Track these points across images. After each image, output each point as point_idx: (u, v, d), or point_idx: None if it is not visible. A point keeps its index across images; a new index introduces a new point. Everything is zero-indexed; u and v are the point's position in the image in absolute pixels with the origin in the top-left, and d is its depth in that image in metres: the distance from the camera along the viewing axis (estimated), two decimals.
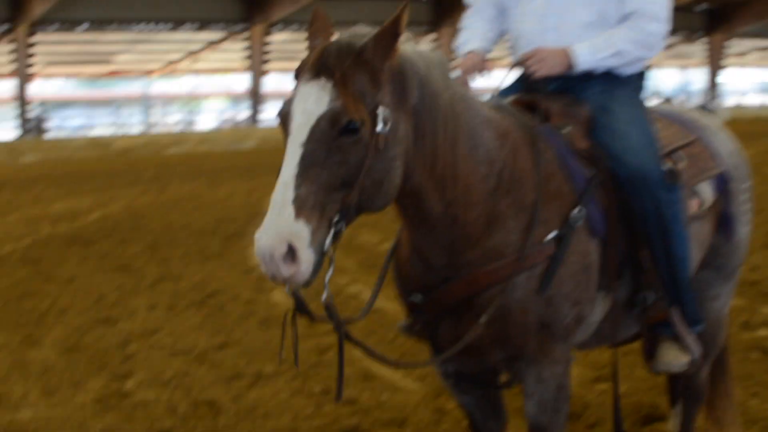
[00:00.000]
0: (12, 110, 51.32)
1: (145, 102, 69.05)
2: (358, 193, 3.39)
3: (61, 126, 65.02)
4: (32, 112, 52.19)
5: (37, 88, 55.17)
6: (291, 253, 3.23)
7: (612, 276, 4.09)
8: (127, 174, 29.01)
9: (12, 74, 50.37)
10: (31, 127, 51.41)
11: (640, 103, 4.45)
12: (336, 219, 3.36)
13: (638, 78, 4.50)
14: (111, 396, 7.37)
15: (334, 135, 3.37)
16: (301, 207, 3.28)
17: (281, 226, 3.25)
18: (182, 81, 71.92)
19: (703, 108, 5.38)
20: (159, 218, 17.82)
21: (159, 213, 18.71)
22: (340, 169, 3.37)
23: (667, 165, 4.33)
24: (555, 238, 3.90)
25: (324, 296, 3.51)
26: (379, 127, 3.43)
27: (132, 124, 68.41)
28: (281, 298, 10.60)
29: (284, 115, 3.49)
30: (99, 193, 22.93)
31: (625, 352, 6.08)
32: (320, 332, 8.97)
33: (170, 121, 71.20)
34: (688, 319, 4.31)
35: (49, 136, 54.04)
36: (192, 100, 74.84)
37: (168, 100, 74.31)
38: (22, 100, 50.02)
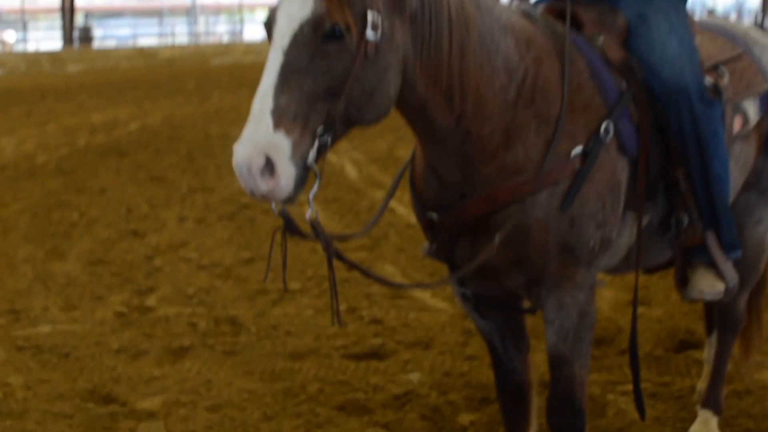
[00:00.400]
0: (59, 20, 51.24)
1: (192, 12, 68.75)
2: (345, 103, 3.16)
3: (107, 36, 64.94)
4: (78, 22, 52.05)
5: None
6: (269, 167, 3.04)
7: (643, 196, 3.80)
8: (170, 84, 28.83)
9: None
10: (78, 36, 51.31)
11: (681, 12, 4.09)
12: (320, 131, 3.14)
13: None
14: (132, 311, 7.22)
15: (318, 41, 3.14)
16: (280, 117, 3.07)
17: (259, 138, 3.04)
18: None
19: (757, 26, 5.02)
20: (197, 129, 17.65)
21: (198, 124, 18.54)
22: (324, 78, 3.14)
23: (709, 79, 4.00)
24: (581, 154, 3.62)
25: (308, 213, 3.29)
26: (369, 34, 3.17)
27: (178, 34, 68.15)
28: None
29: (269, 22, 3.26)
30: (139, 104, 22.78)
31: (662, 275, 5.81)
32: (350, 248, 8.79)
33: (217, 31, 70.89)
34: (725, 245, 4.00)
35: (95, 46, 53.93)
36: (239, 10, 74.38)
37: (215, 10, 73.98)
38: (68, 9, 49.83)
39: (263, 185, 3.06)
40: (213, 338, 6.60)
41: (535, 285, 3.73)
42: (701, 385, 5.30)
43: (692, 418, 5.01)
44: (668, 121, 3.84)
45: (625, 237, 3.84)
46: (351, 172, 12.92)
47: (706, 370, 5.26)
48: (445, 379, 5.77)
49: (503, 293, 3.97)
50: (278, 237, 3.46)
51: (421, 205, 3.81)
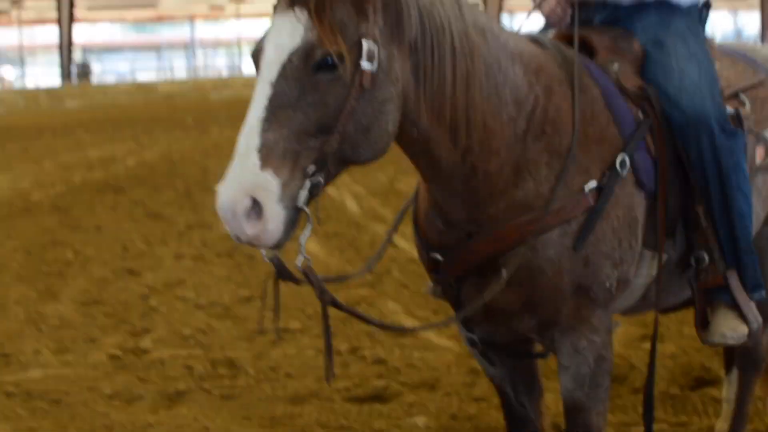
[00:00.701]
0: (57, 56, 51.26)
1: (191, 46, 68.82)
2: (338, 140, 2.94)
3: (106, 71, 64.97)
4: (77, 58, 52.06)
5: (82, 34, 55.04)
6: (256, 209, 2.83)
7: (662, 234, 3.56)
8: (168, 119, 28.72)
9: (56, 20, 50.20)
10: (76, 72, 51.29)
11: (700, 37, 3.86)
12: (311, 170, 2.92)
13: (699, 8, 3.92)
14: (126, 354, 6.98)
15: (308, 72, 2.92)
16: (268, 155, 2.86)
17: (245, 178, 2.82)
18: (227, 25, 71.53)
19: None
20: (195, 165, 17.45)
21: (196, 159, 18.35)
22: (316, 112, 2.92)
23: (730, 108, 3.77)
24: (595, 189, 3.39)
25: (299, 260, 3.06)
26: (364, 64, 2.96)
27: (177, 68, 68.20)
28: (313, 247, 10.18)
29: (256, 53, 3.05)
30: (137, 139, 22.63)
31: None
32: (350, 285, 8.56)
33: (215, 65, 70.99)
34: (748, 285, 3.75)
35: (93, 81, 53.94)
36: (237, 44, 74.46)
37: (213, 44, 74.06)
38: (66, 45, 49.82)
39: (249, 229, 2.85)
40: (210, 381, 6.36)
41: (548, 328, 3.49)
42: (720, 425, 5.04)
43: None
44: (688, 153, 3.61)
45: (643, 276, 3.60)
46: (351, 205, 12.70)
47: (726, 409, 5.00)
48: (452, 422, 5.53)
49: (513, 337, 3.74)
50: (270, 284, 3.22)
51: (424, 245, 3.58)
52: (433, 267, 3.54)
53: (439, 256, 3.47)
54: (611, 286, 3.45)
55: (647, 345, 6.50)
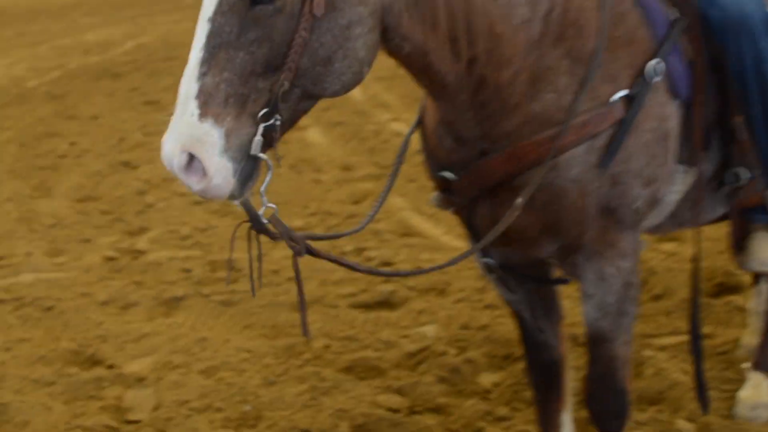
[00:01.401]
0: None
1: None
2: (291, 77, 2.57)
3: None
4: None
5: None
6: (196, 164, 2.54)
7: (697, 146, 3.22)
8: (167, 0, 28.00)
9: None
10: None
11: None
12: (263, 114, 2.57)
13: None
14: (123, 255, 6.69)
15: (246, 4, 2.57)
16: (207, 102, 2.52)
17: (181, 130, 2.54)
18: None
19: None
20: None
21: None
22: (260, 49, 2.57)
23: None
24: (624, 99, 3.03)
25: (262, 210, 2.74)
26: None
27: None
28: (316, 137, 9.84)
29: None
30: (135, 22, 22.02)
31: None
32: (354, 178, 8.25)
33: None
34: None
35: None
36: None
37: None
38: None
39: (195, 185, 2.57)
40: (209, 286, 6.07)
41: (571, 253, 3.17)
42: (747, 339, 4.78)
43: (739, 378, 4.50)
44: (727, 57, 3.23)
45: (674, 193, 3.25)
46: (355, 92, 12.23)
47: (754, 323, 4.72)
48: (463, 332, 5.25)
49: (532, 262, 3.42)
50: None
51: (434, 163, 3.24)
52: (443, 186, 3.21)
53: (450, 175, 3.14)
54: (640, 206, 3.11)
55: (666, 246, 6.21)
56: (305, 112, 2.72)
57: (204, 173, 2.54)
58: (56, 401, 4.74)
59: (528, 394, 4.23)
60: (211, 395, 4.72)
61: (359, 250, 6.53)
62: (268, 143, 2.60)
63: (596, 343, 3.26)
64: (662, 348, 4.93)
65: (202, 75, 2.54)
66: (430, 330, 5.30)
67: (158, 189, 8.20)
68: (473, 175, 3.08)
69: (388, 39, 2.80)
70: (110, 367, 5.10)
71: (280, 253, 6.48)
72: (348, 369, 4.95)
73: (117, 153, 9.58)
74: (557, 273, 3.52)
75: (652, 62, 3.06)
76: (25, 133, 10.43)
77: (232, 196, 2.62)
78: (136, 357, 5.16)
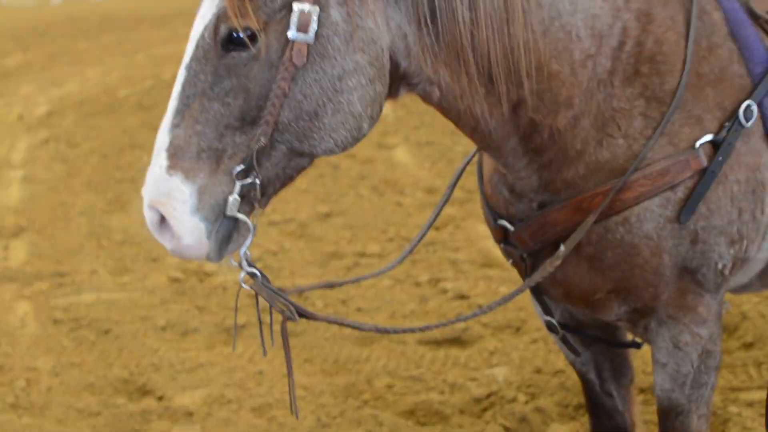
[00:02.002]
0: None
1: None
2: (269, 133, 2.32)
3: None
4: None
5: None
6: (165, 222, 2.34)
7: None
8: None
9: None
10: None
11: None
12: (237, 170, 2.32)
13: None
14: (188, 277, 6.44)
15: (219, 51, 2.33)
16: (176, 155, 2.31)
17: (150, 185, 2.34)
18: None
19: None
20: None
21: None
22: (236, 100, 2.33)
23: None
24: (709, 144, 2.65)
25: (241, 275, 2.54)
26: (293, 35, 2.32)
27: None
28: (403, 157, 9.52)
29: None
30: None
31: None
32: (435, 201, 7.89)
33: None
34: None
35: None
36: None
37: None
38: None
39: (167, 243, 2.36)
40: (273, 314, 5.77)
41: (643, 317, 2.79)
42: None
43: None
44: None
45: (765, 250, 2.86)
46: None
47: None
48: (536, 377, 4.88)
49: (600, 324, 3.06)
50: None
51: (491, 212, 2.90)
52: (501, 237, 2.86)
53: (507, 225, 2.79)
54: (725, 267, 2.72)
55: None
56: (301, 169, 2.46)
57: (173, 233, 2.32)
58: None
59: None
60: None
61: (434, 281, 6.19)
62: (248, 203, 2.36)
63: (668, 417, 2.88)
64: (750, 404, 4.51)
65: (174, 126, 2.33)
66: (500, 372, 4.95)
67: None
68: (533, 226, 2.73)
69: (412, 84, 2.51)
70: (160, 398, 4.85)
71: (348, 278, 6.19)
72: (409, 413, 4.62)
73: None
74: (629, 335, 3.15)
75: (746, 103, 2.67)
76: (109, 144, 10.30)
77: (209, 259, 2.40)
78: (188, 389, 4.90)
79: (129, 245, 7.02)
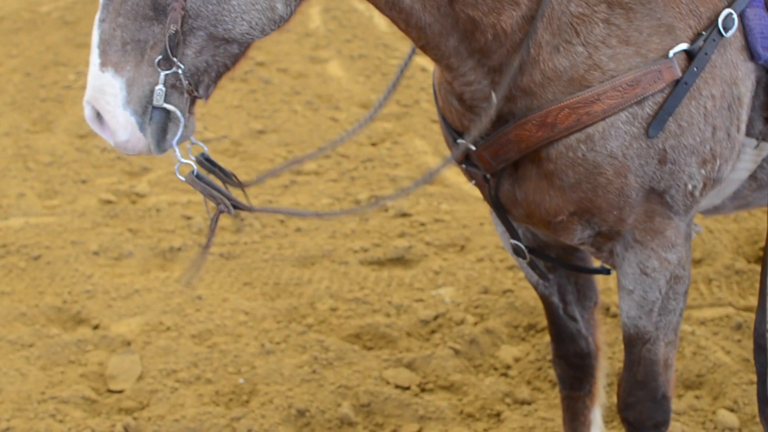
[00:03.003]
0: None
1: None
2: (180, 17, 2.25)
3: None
4: None
5: None
6: (100, 117, 2.32)
7: None
8: None
9: None
10: None
11: None
12: (157, 59, 2.27)
13: None
14: (120, 198, 6.19)
15: None
16: (105, 51, 2.27)
17: (89, 82, 2.30)
18: None
19: None
20: None
21: None
22: None
23: None
24: (683, 54, 2.49)
25: (177, 165, 2.46)
26: None
27: None
28: (336, 71, 9.30)
29: None
30: None
31: None
32: (377, 117, 7.70)
33: None
34: None
35: None
36: None
37: None
38: None
39: (108, 138, 2.33)
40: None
41: (608, 241, 2.67)
42: None
43: None
44: None
45: (741, 170, 2.73)
46: (380, 23, 11.68)
47: None
48: (484, 297, 4.77)
49: (566, 247, 2.93)
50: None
51: (449, 130, 2.74)
52: (463, 158, 2.71)
53: (469, 145, 2.63)
54: (695, 188, 2.59)
55: None
56: (233, 57, 2.38)
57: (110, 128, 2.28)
58: (33, 366, 4.32)
59: (553, 372, 3.77)
60: (201, 364, 4.28)
61: (373, 199, 6.03)
62: (180, 93, 2.30)
63: (634, 344, 2.78)
64: (702, 322, 4.45)
65: (101, 21, 2.27)
66: (446, 293, 4.84)
67: None
68: (495, 144, 2.57)
69: None
70: (96, 327, 4.67)
71: (287, 201, 6.03)
72: (355, 337, 4.50)
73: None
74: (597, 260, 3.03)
75: (725, 12, 2.52)
76: (31, 62, 9.90)
77: (148, 152, 2.34)
78: (125, 316, 4.73)
79: (57, 167, 6.75)
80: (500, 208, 2.73)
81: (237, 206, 2.52)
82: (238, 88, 8.78)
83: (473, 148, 2.61)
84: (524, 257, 2.90)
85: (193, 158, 2.47)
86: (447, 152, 6.71)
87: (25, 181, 6.50)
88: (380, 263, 5.23)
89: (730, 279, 4.79)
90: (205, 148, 2.52)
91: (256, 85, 8.78)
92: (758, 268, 4.89)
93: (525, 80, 2.50)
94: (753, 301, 4.61)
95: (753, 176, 2.75)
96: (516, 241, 2.86)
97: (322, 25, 10.80)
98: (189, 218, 5.81)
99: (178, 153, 2.39)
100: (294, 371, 4.19)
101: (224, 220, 5.83)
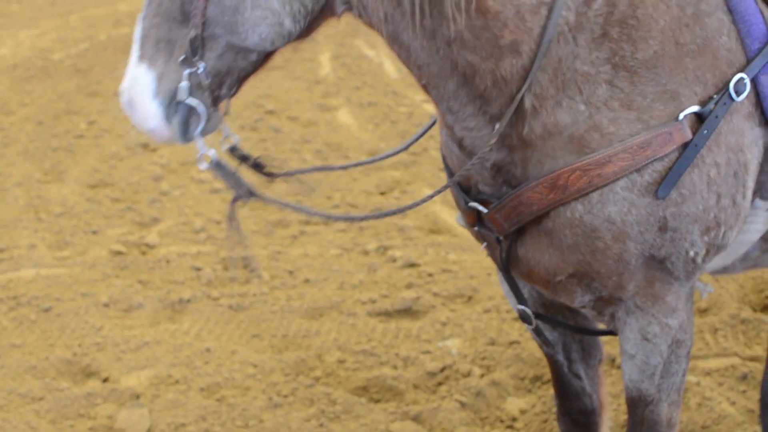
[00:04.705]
0: None
1: None
2: (200, 24, 2.48)
3: None
4: None
5: None
6: (133, 105, 2.55)
7: None
8: None
9: None
10: None
11: None
12: (181, 58, 2.50)
13: None
14: (130, 249, 6.25)
15: None
16: (144, 46, 2.53)
17: (127, 72, 2.57)
18: None
19: None
20: None
21: None
22: None
23: None
24: (692, 116, 2.50)
25: (199, 154, 2.61)
26: None
27: None
28: (346, 118, 9.36)
29: None
30: None
31: None
32: (383, 165, 7.76)
33: None
34: None
35: None
36: None
37: None
38: None
39: (140, 125, 2.58)
40: (218, 288, 5.64)
41: (609, 306, 2.68)
42: None
43: None
44: None
45: (751, 233, 2.74)
46: (390, 70, 11.77)
47: None
48: (491, 349, 4.80)
49: (568, 308, 2.96)
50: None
51: (461, 193, 2.76)
52: (474, 220, 2.73)
53: (480, 207, 2.67)
54: (697, 255, 2.60)
55: None
56: (254, 64, 2.57)
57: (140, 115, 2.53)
58: (43, 420, 4.35)
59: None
60: (210, 418, 4.30)
61: (382, 249, 6.08)
62: (203, 90, 2.51)
63: (637, 406, 2.79)
64: (708, 373, 4.46)
65: (142, 18, 2.52)
66: (453, 344, 4.86)
67: (175, 175, 7.74)
68: (507, 207, 2.59)
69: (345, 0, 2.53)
70: (105, 380, 4.70)
71: (296, 251, 6.07)
72: (362, 389, 4.52)
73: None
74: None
75: (738, 76, 2.53)
76: (43, 111, 9.99)
77: (171, 140, 2.59)
78: (134, 369, 4.76)
79: (68, 217, 6.81)
80: (509, 270, 2.75)
81: (251, 192, 2.74)
82: (248, 137, 8.86)
83: (484, 210, 2.63)
84: (530, 323, 2.92)
85: (214, 151, 2.62)
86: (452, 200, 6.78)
87: (36, 231, 6.56)
88: (388, 314, 5.26)
89: (735, 328, 4.81)
90: (237, 138, 2.69)
91: (266, 134, 8.86)
92: (765, 317, 4.91)
93: (526, 131, 2.53)
94: (759, 350, 4.62)
95: (764, 238, 2.76)
96: (523, 306, 2.89)
97: (331, 72, 10.90)
98: (198, 269, 5.86)
99: (199, 143, 2.57)
100: (301, 425, 4.21)
101: (234, 272, 5.88)
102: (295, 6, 2.48)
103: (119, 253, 6.19)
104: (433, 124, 3.05)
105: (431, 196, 2.70)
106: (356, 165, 3.20)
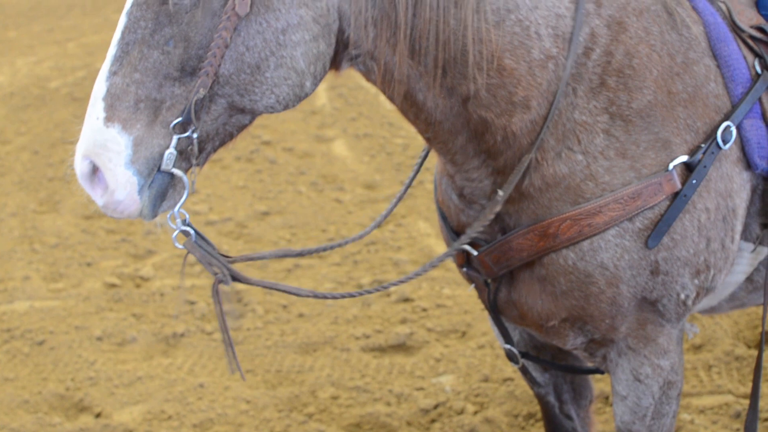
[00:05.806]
0: None
1: None
2: (210, 83, 2.22)
3: None
4: None
5: None
6: (100, 173, 2.25)
7: None
8: None
9: None
10: None
11: None
12: (175, 122, 2.22)
13: None
14: (124, 282, 6.25)
15: None
16: (113, 105, 2.20)
17: (86, 134, 2.23)
18: None
19: None
20: None
21: None
22: (176, 49, 2.23)
23: None
24: (682, 166, 2.53)
25: (174, 234, 2.41)
26: None
27: None
28: (341, 150, 9.37)
29: None
30: None
31: None
32: (379, 198, 7.77)
33: None
34: None
35: None
36: None
37: None
38: None
39: (98, 198, 2.26)
40: (212, 322, 5.64)
41: (601, 347, 2.70)
42: None
43: None
44: None
45: (738, 274, 2.77)
46: (385, 101, 11.77)
47: None
48: (484, 386, 4.79)
49: (558, 350, 2.96)
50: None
51: (450, 233, 2.78)
52: (463, 261, 2.75)
53: (470, 249, 2.67)
54: (687, 297, 2.63)
55: None
56: (241, 128, 2.34)
57: (104, 186, 2.23)
58: None
59: None
60: None
61: (376, 284, 6.07)
62: (185, 159, 2.25)
63: None
64: (702, 411, 4.45)
65: (112, 74, 2.22)
66: (447, 381, 4.85)
67: None
68: (497, 251, 2.61)
69: (354, 56, 2.40)
70: (98, 415, 4.69)
71: (291, 283, 6.05)
72: (355, 426, 4.51)
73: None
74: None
75: (724, 125, 2.56)
76: (39, 140, 10.01)
77: (140, 216, 2.29)
78: (127, 404, 4.75)
79: (62, 248, 6.81)
80: (496, 312, 2.77)
81: (234, 277, 2.48)
82: (243, 168, 8.87)
83: (474, 252, 2.64)
84: (517, 362, 2.93)
85: (193, 228, 2.41)
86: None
87: (30, 263, 6.56)
88: (382, 350, 5.25)
89: (729, 365, 4.80)
90: (187, 216, 2.41)
91: (261, 165, 8.87)
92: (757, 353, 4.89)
93: (525, 184, 2.55)
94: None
95: (749, 278, 2.79)
96: (509, 346, 2.90)
97: (328, 103, 10.91)
98: (192, 303, 5.85)
99: (178, 220, 2.36)
100: None
101: (226, 306, 5.87)
102: (319, 66, 2.34)
103: (113, 285, 6.19)
104: (426, 156, 3.06)
105: (440, 259, 2.67)
106: (319, 250, 3.01)
